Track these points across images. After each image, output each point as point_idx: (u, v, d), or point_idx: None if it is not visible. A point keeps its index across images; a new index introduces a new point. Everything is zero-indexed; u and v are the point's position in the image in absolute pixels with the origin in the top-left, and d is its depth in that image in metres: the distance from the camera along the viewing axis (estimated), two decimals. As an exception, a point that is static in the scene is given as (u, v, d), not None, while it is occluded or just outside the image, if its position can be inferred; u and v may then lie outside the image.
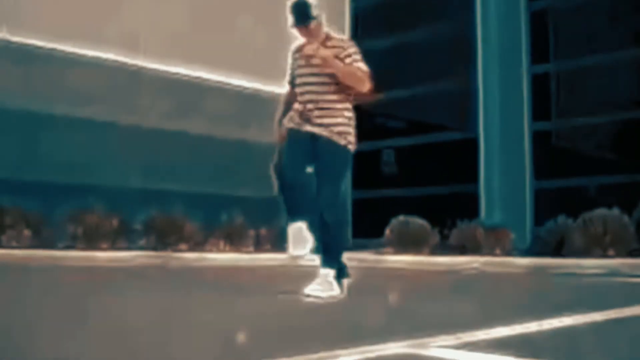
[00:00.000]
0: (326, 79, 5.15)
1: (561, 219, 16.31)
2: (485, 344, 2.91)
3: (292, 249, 5.04)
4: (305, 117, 5.14)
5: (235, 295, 5.41)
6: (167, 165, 15.50)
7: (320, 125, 5.11)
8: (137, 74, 15.40)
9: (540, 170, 25.50)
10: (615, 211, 15.33)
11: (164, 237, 14.27)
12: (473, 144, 27.17)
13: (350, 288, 5.09)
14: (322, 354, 2.54)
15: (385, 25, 30.44)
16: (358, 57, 5.15)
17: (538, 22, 26.33)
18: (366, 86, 5.12)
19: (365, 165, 23.72)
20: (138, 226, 14.29)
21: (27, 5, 13.89)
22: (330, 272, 4.96)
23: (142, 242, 14.20)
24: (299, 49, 5.32)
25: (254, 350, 2.71)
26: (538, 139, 25.91)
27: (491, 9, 27.16)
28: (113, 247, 13.48)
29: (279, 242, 15.70)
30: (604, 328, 3.68)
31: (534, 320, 3.60)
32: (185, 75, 16.04)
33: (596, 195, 23.04)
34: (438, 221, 18.12)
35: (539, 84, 26.18)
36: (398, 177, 30.63)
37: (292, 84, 5.36)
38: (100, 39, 14.61)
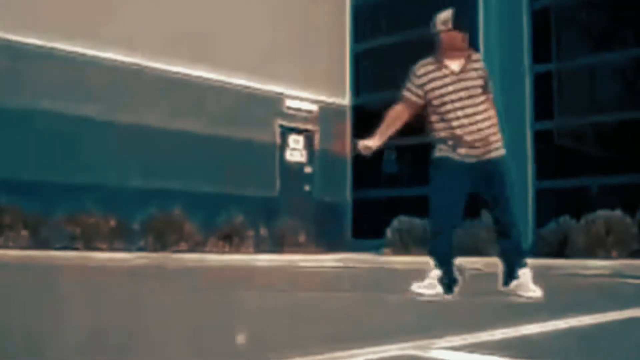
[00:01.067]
0: (477, 93, 5.08)
1: (563, 219, 16.26)
2: (489, 345, 2.88)
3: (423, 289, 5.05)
4: (464, 144, 5.05)
5: (235, 296, 5.38)
6: (167, 165, 15.42)
7: (480, 147, 5.02)
8: (137, 72, 15.35)
9: (542, 170, 25.46)
10: (618, 212, 15.30)
11: (163, 237, 14.21)
12: (474, 144, 27.16)
13: (351, 288, 5.06)
14: (324, 355, 2.50)
15: (386, 24, 30.45)
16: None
17: (540, 21, 26.31)
18: None
19: (366, 165, 23.71)
20: (137, 226, 14.22)
21: (27, 3, 13.85)
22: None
23: (141, 242, 14.13)
24: (437, 64, 5.21)
25: (254, 350, 2.68)
26: (540, 138, 25.87)
27: (492, 8, 27.15)
28: (111, 248, 13.42)
29: (278, 243, 15.67)
30: (608, 329, 3.65)
31: (538, 322, 3.59)
32: (185, 75, 15.99)
33: (599, 196, 23.00)
34: (439, 221, 18.05)
35: (541, 83, 26.15)
36: (399, 177, 30.64)
37: (409, 99, 5.26)
38: (100, 38, 14.56)
